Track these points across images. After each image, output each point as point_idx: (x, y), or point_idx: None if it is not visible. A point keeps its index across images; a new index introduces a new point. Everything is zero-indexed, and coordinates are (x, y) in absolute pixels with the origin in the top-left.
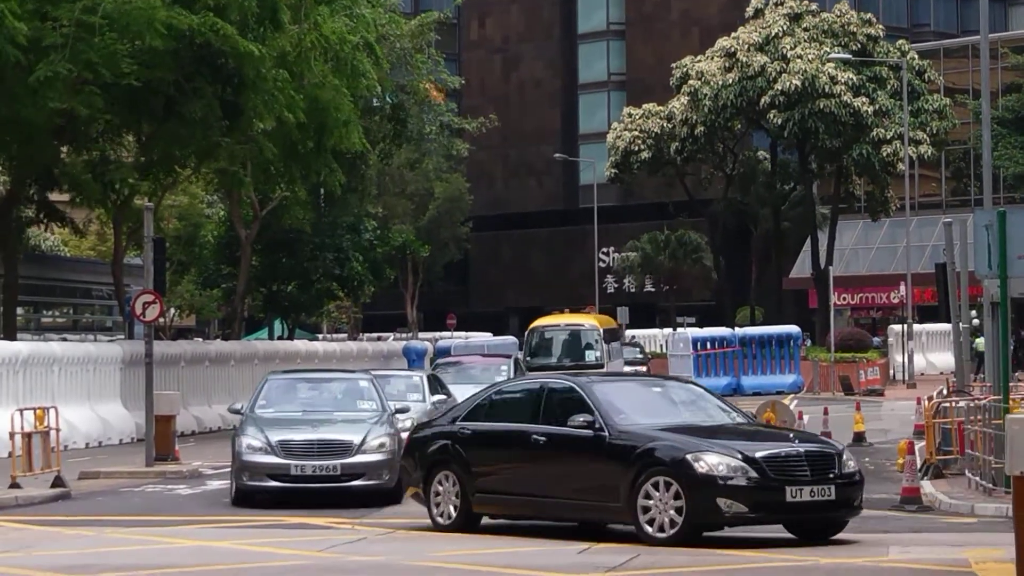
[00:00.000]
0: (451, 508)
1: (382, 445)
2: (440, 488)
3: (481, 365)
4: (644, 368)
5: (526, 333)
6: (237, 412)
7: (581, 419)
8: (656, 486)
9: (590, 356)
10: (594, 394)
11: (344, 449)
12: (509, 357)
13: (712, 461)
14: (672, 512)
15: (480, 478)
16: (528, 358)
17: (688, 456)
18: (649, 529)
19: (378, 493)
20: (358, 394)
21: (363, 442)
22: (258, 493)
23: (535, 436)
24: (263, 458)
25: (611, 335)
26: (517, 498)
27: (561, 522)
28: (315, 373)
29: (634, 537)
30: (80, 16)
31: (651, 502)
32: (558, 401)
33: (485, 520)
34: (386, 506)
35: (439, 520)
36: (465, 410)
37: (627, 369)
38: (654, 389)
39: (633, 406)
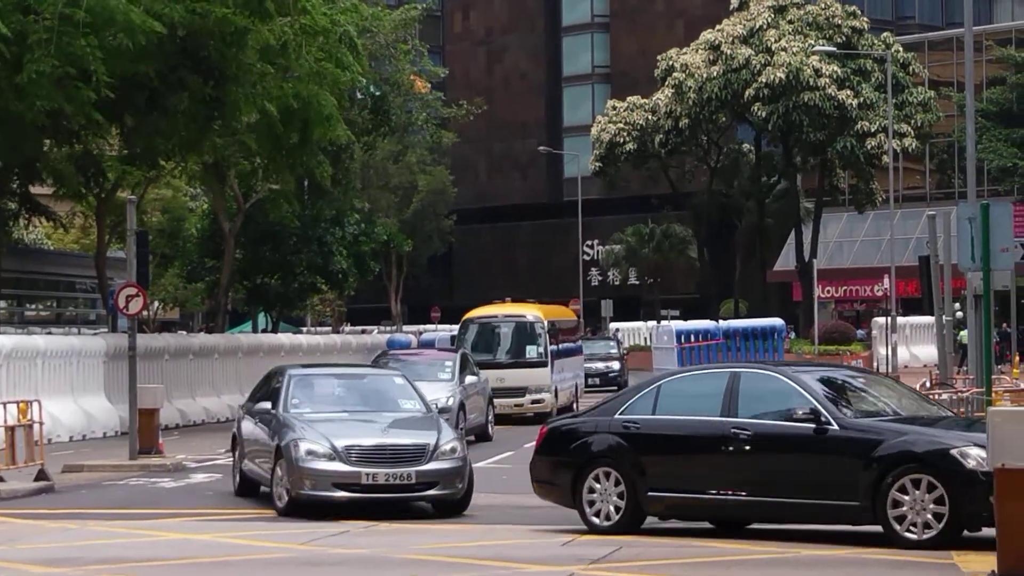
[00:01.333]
0: (611, 508)
1: (454, 450)
2: (597, 487)
3: (425, 361)
4: (616, 364)
5: (459, 325)
6: (266, 412)
7: (802, 411)
8: (913, 484)
9: (531, 352)
10: (807, 384)
11: (418, 455)
12: (456, 352)
13: (978, 456)
14: (930, 513)
15: (655, 476)
16: None
17: (953, 451)
18: (902, 529)
19: (449, 504)
20: (398, 392)
21: (436, 446)
22: (321, 505)
23: (735, 430)
24: (328, 465)
25: (563, 328)
26: (711, 497)
27: (773, 524)
28: (341, 368)
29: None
30: (63, 10)
31: (905, 499)
32: (757, 392)
33: (474, 512)
34: (454, 516)
35: (594, 521)
36: (624, 403)
37: (599, 366)
38: (856, 378)
39: (840, 396)
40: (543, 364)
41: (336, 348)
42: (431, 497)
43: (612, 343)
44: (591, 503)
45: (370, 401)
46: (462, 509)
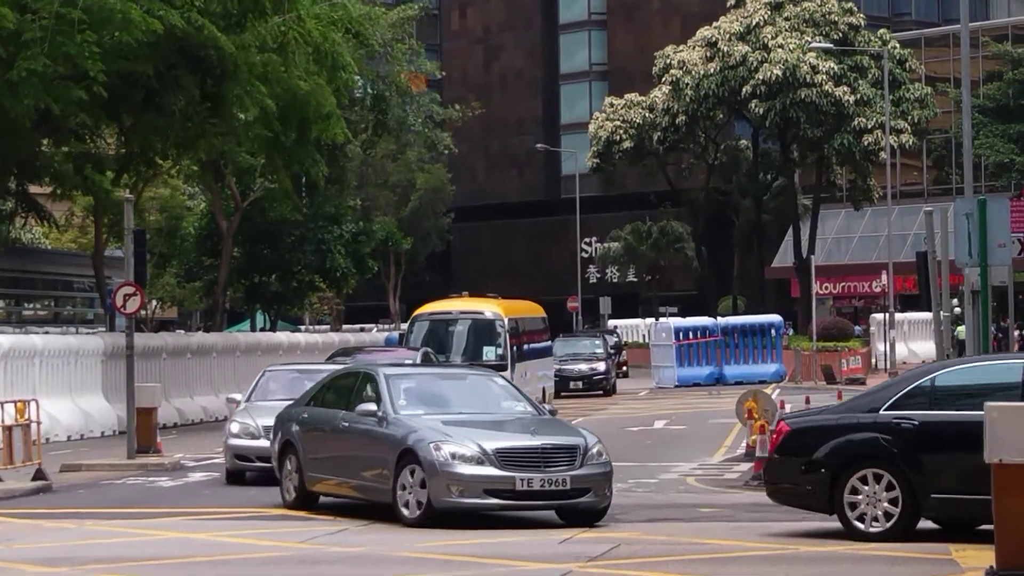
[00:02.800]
0: (880, 513)
1: (600, 453)
2: (864, 490)
3: (383, 361)
4: (601, 366)
5: (408, 322)
6: (371, 414)
7: None
8: None
9: (489, 353)
10: None
11: (572, 457)
12: (417, 350)
13: None
14: None
15: (940, 478)
16: None
17: None
18: None
19: (591, 513)
20: (502, 393)
21: (587, 449)
22: (468, 514)
23: None
24: (477, 470)
25: (529, 328)
26: None
27: None
28: (437, 369)
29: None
30: (59, 8)
31: None
32: None
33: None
34: (590, 525)
35: (859, 526)
36: (889, 398)
37: (581, 368)
38: None
39: None
40: (502, 367)
41: (335, 346)
42: (582, 505)
43: (598, 341)
44: (853, 506)
45: (478, 402)
46: (599, 519)
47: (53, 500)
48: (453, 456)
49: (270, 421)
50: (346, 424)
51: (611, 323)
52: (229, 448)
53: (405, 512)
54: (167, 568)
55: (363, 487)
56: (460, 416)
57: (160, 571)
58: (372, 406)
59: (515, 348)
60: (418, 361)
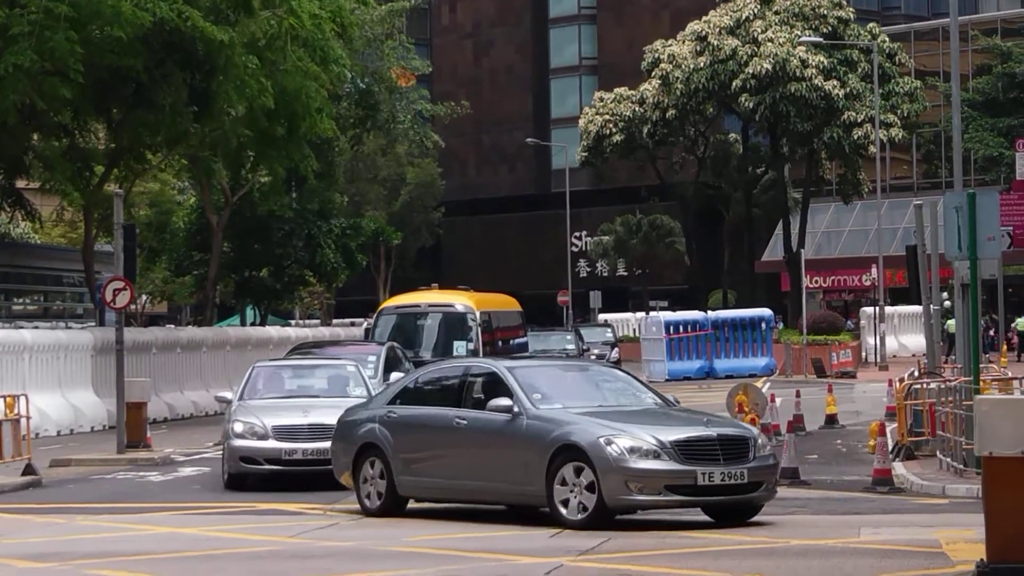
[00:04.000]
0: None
1: (765, 444)
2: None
3: (346, 355)
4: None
5: (375, 316)
6: (506, 409)
7: None
8: None
9: (459, 349)
10: None
11: (745, 449)
12: (382, 344)
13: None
14: None
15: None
16: None
17: None
18: None
19: (750, 509)
20: (627, 385)
21: (756, 440)
22: (646, 509)
23: None
24: (656, 464)
25: (504, 324)
26: None
27: None
28: (557, 360)
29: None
30: (48, 3)
31: None
32: None
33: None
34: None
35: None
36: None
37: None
38: None
39: None
40: None
41: (325, 340)
42: (755, 500)
43: (569, 336)
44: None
45: (608, 394)
46: (753, 515)
47: (43, 495)
48: (631, 451)
49: (280, 420)
50: (464, 422)
51: (601, 317)
52: (233, 450)
53: (565, 513)
54: (157, 563)
55: (492, 489)
56: (603, 409)
57: (150, 566)
58: (506, 401)
59: (487, 343)
60: (382, 356)
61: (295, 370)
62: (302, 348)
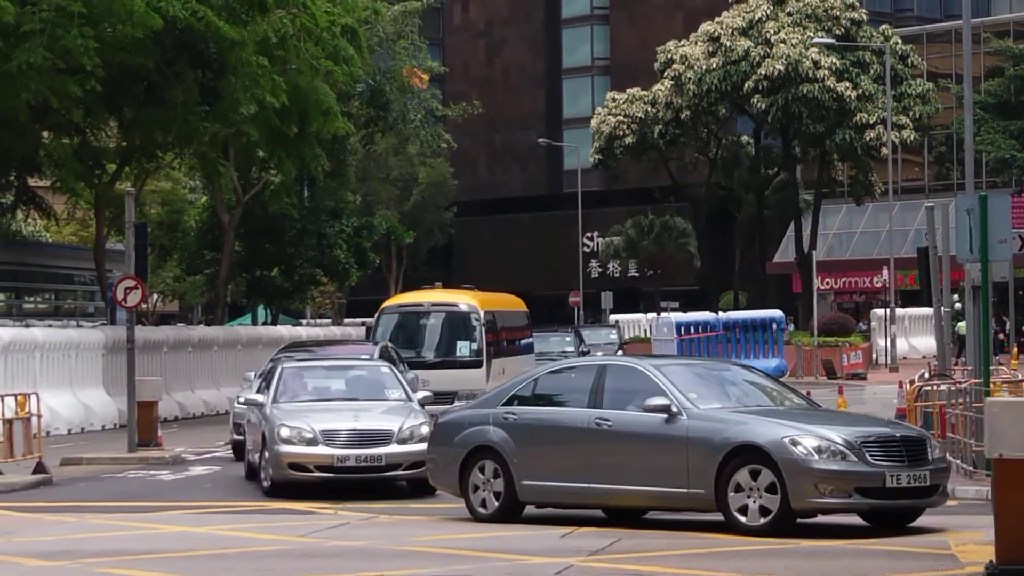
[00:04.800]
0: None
1: (935, 446)
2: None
3: (336, 356)
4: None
5: (376, 316)
6: (663, 409)
7: None
8: None
9: (463, 349)
10: None
11: (923, 449)
12: (376, 344)
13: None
14: None
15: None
16: None
17: None
18: None
19: (917, 513)
20: (763, 384)
21: (930, 441)
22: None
23: None
24: (845, 466)
25: (509, 325)
26: None
27: None
28: (692, 359)
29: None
30: (59, 1)
31: None
32: None
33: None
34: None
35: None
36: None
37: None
38: None
39: None
40: (477, 364)
41: (336, 340)
42: (934, 503)
43: (568, 338)
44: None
45: (750, 393)
46: (913, 520)
47: (54, 493)
48: (818, 451)
49: (330, 424)
50: (608, 424)
51: (612, 317)
52: (280, 456)
53: (743, 520)
54: (168, 561)
55: (644, 493)
56: (759, 407)
57: (161, 564)
58: (663, 400)
59: (491, 344)
60: (375, 356)
61: (328, 371)
62: (292, 347)
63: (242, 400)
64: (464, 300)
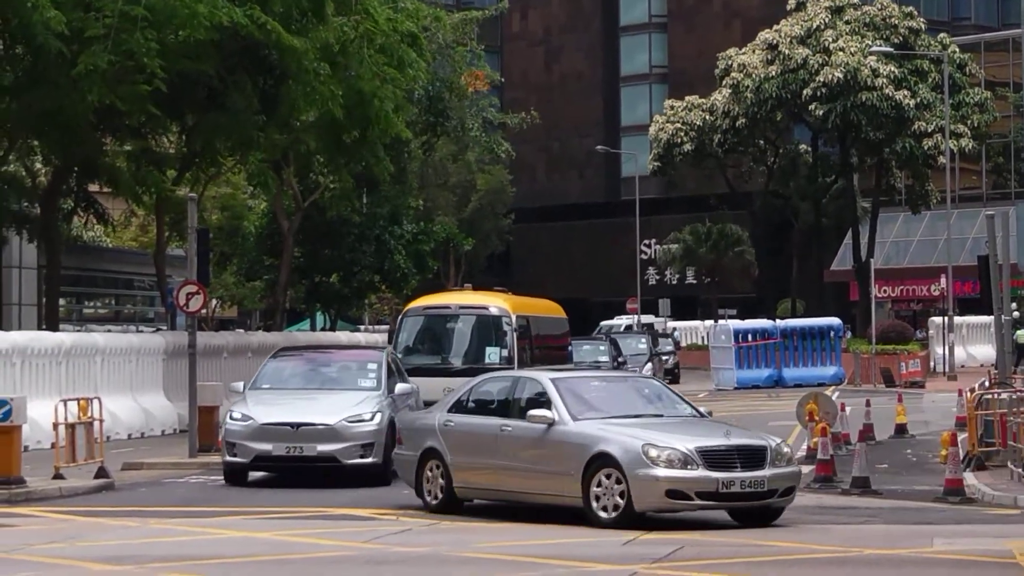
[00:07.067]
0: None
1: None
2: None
3: (339, 362)
4: (618, 366)
5: (399, 318)
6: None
7: None
8: None
9: (492, 356)
10: None
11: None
12: (382, 350)
13: None
14: None
15: None
16: (400, 355)
17: None
18: None
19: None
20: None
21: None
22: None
23: None
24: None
25: (541, 329)
26: None
27: None
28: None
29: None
30: (123, 7)
31: None
32: None
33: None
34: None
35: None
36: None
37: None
38: None
39: None
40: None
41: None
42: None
43: (603, 347)
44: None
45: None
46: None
47: (115, 498)
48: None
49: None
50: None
51: (669, 325)
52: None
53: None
54: (231, 567)
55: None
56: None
57: (224, 570)
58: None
59: (524, 351)
60: (383, 363)
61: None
62: (287, 351)
63: (236, 415)
64: (495, 303)
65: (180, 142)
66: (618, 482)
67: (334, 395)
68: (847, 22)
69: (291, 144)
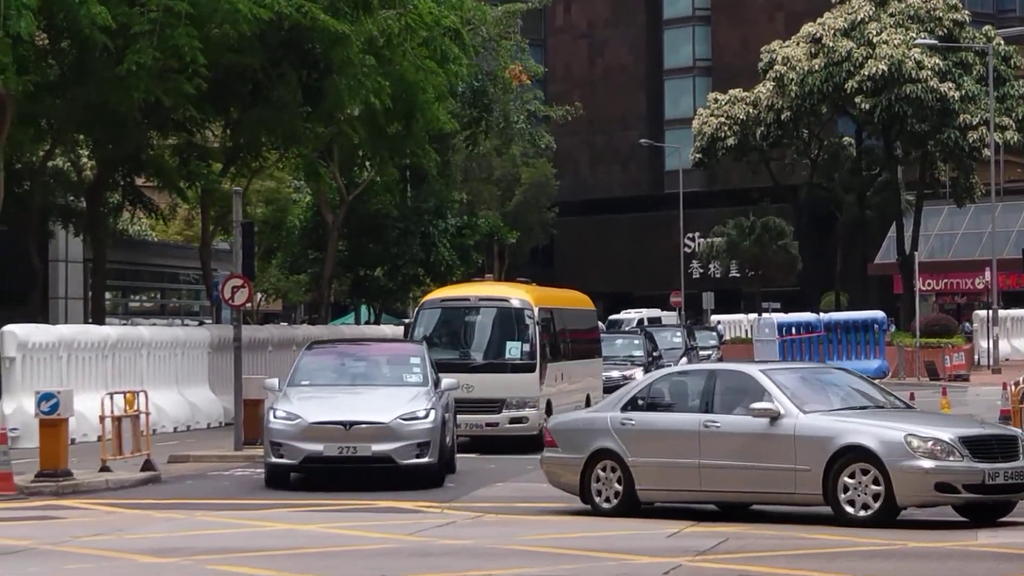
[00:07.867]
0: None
1: None
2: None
3: (382, 356)
4: (638, 373)
5: (416, 310)
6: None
7: None
8: None
9: (513, 351)
10: None
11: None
12: (420, 344)
13: None
14: None
15: None
16: None
17: None
18: None
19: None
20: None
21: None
22: None
23: None
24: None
25: (567, 322)
26: None
27: None
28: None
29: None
30: (167, 1)
31: None
32: None
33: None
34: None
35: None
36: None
37: (612, 375)
38: None
39: None
40: (529, 368)
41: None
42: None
43: (637, 341)
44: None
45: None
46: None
47: (162, 491)
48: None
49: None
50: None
51: (713, 318)
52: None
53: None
54: (278, 559)
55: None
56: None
57: (271, 562)
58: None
59: (547, 345)
60: (426, 358)
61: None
62: (320, 344)
63: (280, 413)
64: (516, 295)
65: (225, 136)
66: (872, 476)
67: (381, 391)
68: (891, 15)
69: (335, 137)
